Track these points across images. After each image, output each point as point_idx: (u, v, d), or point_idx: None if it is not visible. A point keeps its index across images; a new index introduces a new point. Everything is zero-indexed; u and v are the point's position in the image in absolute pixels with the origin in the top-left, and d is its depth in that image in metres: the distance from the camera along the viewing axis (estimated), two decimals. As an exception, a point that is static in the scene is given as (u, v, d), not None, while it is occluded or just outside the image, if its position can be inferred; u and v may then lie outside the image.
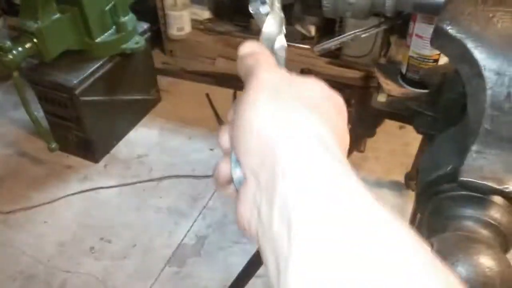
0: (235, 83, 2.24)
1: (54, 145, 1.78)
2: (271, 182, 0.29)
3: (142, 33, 1.92)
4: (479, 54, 0.36)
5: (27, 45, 1.58)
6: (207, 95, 2.20)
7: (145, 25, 1.95)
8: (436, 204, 0.38)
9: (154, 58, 2.24)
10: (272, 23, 0.37)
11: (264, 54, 0.36)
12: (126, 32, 1.81)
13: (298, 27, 2.24)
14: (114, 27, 1.79)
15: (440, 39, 0.39)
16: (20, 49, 1.56)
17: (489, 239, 0.35)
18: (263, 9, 0.37)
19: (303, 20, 2.26)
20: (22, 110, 1.71)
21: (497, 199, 0.36)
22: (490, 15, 0.37)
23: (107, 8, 1.74)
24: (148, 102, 2.13)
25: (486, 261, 0.33)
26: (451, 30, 0.38)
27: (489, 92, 0.35)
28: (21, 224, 1.70)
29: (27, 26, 1.57)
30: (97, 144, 1.89)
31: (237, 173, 0.35)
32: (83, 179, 1.85)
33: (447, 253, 0.34)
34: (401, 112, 0.68)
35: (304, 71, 2.17)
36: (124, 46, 1.81)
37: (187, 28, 2.36)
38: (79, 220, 1.70)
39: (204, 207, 1.72)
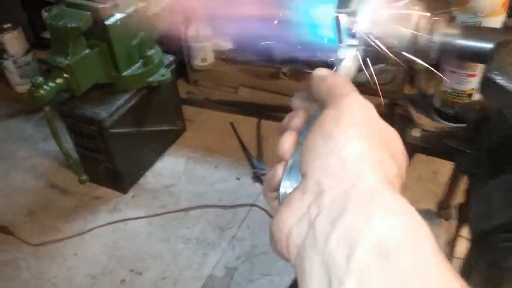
0: (258, 111, 2.26)
1: (84, 177, 1.81)
2: (339, 204, 0.31)
3: (168, 65, 1.96)
4: None
5: (58, 81, 1.62)
6: (232, 124, 2.22)
7: (170, 57, 1.99)
8: (494, 255, 0.38)
9: (179, 88, 2.28)
10: (350, 59, 0.39)
11: (348, 81, 0.39)
12: (153, 65, 1.85)
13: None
14: (140, 60, 1.83)
15: (489, 88, 0.38)
16: (51, 84, 1.60)
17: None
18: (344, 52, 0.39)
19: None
20: (52, 142, 1.76)
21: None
22: None
23: (134, 43, 1.79)
24: (174, 132, 2.15)
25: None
26: (500, 80, 0.38)
27: None
28: (51, 256, 1.72)
29: (58, 62, 1.62)
30: (125, 175, 1.91)
31: (286, 185, 0.36)
32: (112, 210, 1.86)
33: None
34: (437, 148, 0.67)
35: (328, 98, 2.17)
36: (150, 79, 1.85)
37: (210, 59, 2.40)
38: (109, 252, 1.71)
39: (233, 237, 1.72)
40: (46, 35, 2.73)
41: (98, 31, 1.68)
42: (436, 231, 1.56)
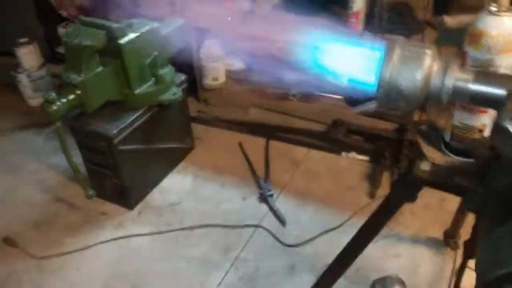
0: (267, 132, 2.27)
1: (91, 192, 1.82)
2: None
3: (180, 84, 1.98)
4: None
5: (71, 97, 1.64)
6: (240, 143, 2.23)
7: (182, 76, 2.01)
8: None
9: (189, 106, 2.30)
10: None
11: None
12: (165, 84, 1.87)
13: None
14: (153, 79, 1.85)
15: (500, 135, 0.39)
16: (64, 100, 1.62)
17: None
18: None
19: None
20: (62, 156, 1.77)
21: None
22: None
23: (147, 61, 1.81)
24: (182, 150, 2.16)
25: None
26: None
27: None
28: (53, 270, 1.71)
29: (71, 78, 1.65)
30: (132, 192, 1.92)
31: None
32: (117, 226, 1.86)
33: None
34: (447, 183, 0.67)
35: (337, 122, 2.18)
36: (162, 97, 1.87)
37: (222, 78, 2.43)
38: (111, 268, 1.70)
39: (236, 258, 1.71)
40: (61, 50, 2.77)
41: (112, 50, 1.71)
42: (442, 260, 1.55)
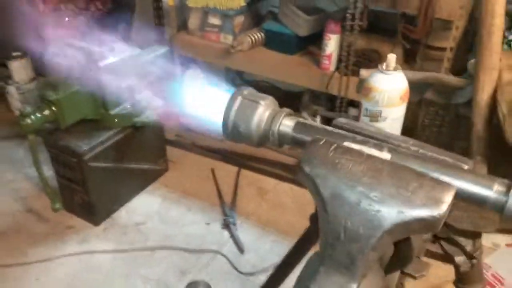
0: (240, 160, 2.34)
1: (58, 205, 1.88)
2: None
3: (156, 108, 2.06)
4: (324, 191, 0.44)
5: (46, 112, 1.73)
6: (212, 170, 2.29)
7: (160, 101, 2.09)
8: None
9: (169, 130, 2.38)
10: None
11: None
12: (140, 107, 1.95)
13: (305, 114, 2.36)
14: (129, 101, 1.94)
15: (300, 173, 0.47)
16: (38, 115, 1.71)
17: None
18: None
19: (311, 108, 2.38)
20: (37, 168, 1.84)
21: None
22: (336, 161, 0.45)
23: (125, 85, 1.90)
24: (155, 172, 2.23)
25: None
26: (307, 168, 0.46)
27: (330, 224, 0.42)
28: (14, 278, 1.76)
29: (47, 95, 1.73)
30: (100, 208, 1.97)
31: None
32: (81, 241, 1.92)
33: None
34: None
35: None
36: (136, 119, 1.95)
37: (202, 105, 2.51)
38: (69, 281, 1.75)
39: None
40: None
41: (90, 71, 1.80)
42: None
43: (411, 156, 0.47)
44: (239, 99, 0.55)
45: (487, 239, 1.31)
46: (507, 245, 1.08)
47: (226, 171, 2.30)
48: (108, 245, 1.90)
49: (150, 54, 2.02)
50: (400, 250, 0.51)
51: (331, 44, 2.05)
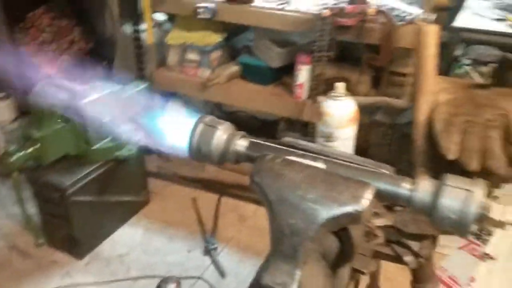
0: (221, 188, 2.41)
1: (41, 240, 1.91)
2: None
3: (137, 141, 2.13)
4: (271, 196, 0.52)
5: (29, 150, 1.79)
6: (193, 199, 2.36)
7: (140, 134, 2.17)
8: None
9: (150, 162, 2.46)
10: None
11: None
12: (121, 141, 2.02)
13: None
14: (110, 136, 2.01)
15: (251, 183, 0.56)
16: (22, 153, 1.77)
17: None
18: None
19: (287, 135, 2.48)
20: (20, 206, 1.89)
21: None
22: (280, 171, 0.54)
23: (106, 120, 1.97)
24: (137, 204, 2.28)
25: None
26: (256, 178, 0.55)
27: (276, 222, 0.51)
28: (-2, 315, 1.78)
29: (31, 133, 1.80)
30: (83, 242, 2.01)
31: None
32: (65, 275, 1.94)
33: None
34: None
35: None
36: (117, 153, 2.02)
37: (182, 137, 2.60)
38: (53, 315, 1.77)
39: (174, 309, 1.78)
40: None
41: (74, 109, 1.87)
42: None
43: (342, 165, 0.57)
44: (201, 125, 0.64)
45: (443, 246, 1.39)
46: (460, 248, 1.17)
47: (207, 200, 2.37)
48: (90, 278, 1.93)
49: (131, 89, 2.11)
50: (344, 247, 0.59)
51: (303, 74, 2.17)
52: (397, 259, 0.81)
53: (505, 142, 1.09)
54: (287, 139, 0.64)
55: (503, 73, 1.22)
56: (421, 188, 0.53)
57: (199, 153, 0.64)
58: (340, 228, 0.58)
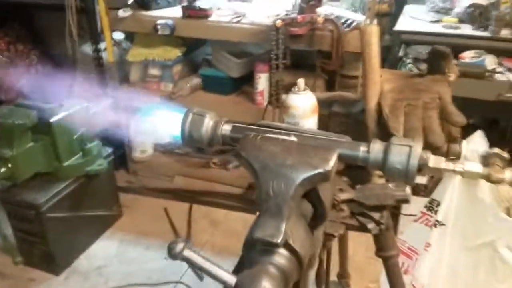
0: (191, 197, 2.50)
1: (18, 259, 1.93)
2: None
3: (106, 157, 2.20)
4: (256, 166, 0.64)
5: (2, 170, 1.82)
6: (165, 209, 2.43)
7: (109, 149, 2.24)
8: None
9: (119, 177, 2.51)
10: None
11: None
12: (91, 156, 2.08)
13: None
14: (80, 152, 2.06)
15: (238, 157, 0.67)
16: (-5, 173, 1.80)
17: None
18: None
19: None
20: (-7, 228, 1.90)
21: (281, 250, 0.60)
22: (261, 145, 0.67)
23: (75, 137, 2.03)
24: (110, 218, 2.33)
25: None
26: (243, 153, 0.67)
27: (262, 186, 0.63)
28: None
29: (3, 153, 1.83)
30: (59, 258, 2.04)
31: None
32: (44, 291, 1.97)
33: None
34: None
35: (252, 185, 2.45)
36: (88, 168, 2.07)
37: (150, 151, 2.67)
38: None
39: (156, 313, 1.85)
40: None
41: (43, 127, 1.92)
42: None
43: (310, 137, 0.69)
44: (190, 115, 0.75)
45: (402, 223, 1.55)
46: (415, 221, 1.32)
47: (179, 208, 2.44)
48: (71, 292, 1.96)
49: (96, 106, 2.17)
50: (317, 212, 0.71)
51: (262, 82, 2.31)
52: (362, 228, 0.94)
53: (441, 121, 1.28)
54: (263, 122, 0.76)
55: (433, 62, 1.41)
56: (374, 149, 0.66)
57: (191, 139, 0.74)
58: (313, 195, 0.70)
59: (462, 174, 0.63)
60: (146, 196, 2.55)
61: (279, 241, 0.60)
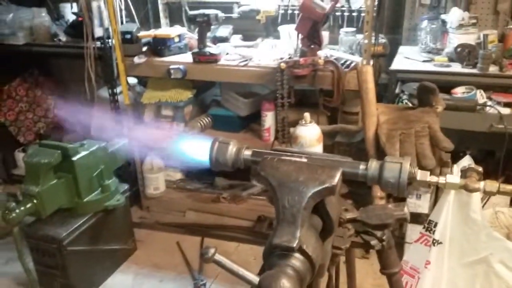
0: (202, 231, 2.60)
1: (40, 291, 2.02)
2: None
3: (123, 192, 2.32)
4: (273, 183, 0.77)
5: (28, 205, 1.94)
6: (178, 243, 2.53)
7: (125, 186, 2.37)
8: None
9: (133, 213, 2.63)
10: None
11: None
12: (110, 192, 2.21)
13: (255, 182, 2.70)
14: (99, 188, 2.19)
15: (258, 177, 0.80)
16: (22, 208, 1.92)
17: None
18: None
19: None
20: (13, 265, 2.01)
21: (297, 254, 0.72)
22: (278, 166, 0.79)
23: (95, 174, 2.17)
24: (125, 251, 2.43)
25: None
26: (262, 173, 0.79)
27: (279, 200, 0.75)
28: None
29: (29, 190, 1.96)
30: (78, 290, 2.13)
31: None
32: (63, 323, 2.04)
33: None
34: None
35: (261, 218, 2.56)
36: (107, 203, 2.19)
37: (162, 188, 2.80)
38: None
39: None
40: (17, 171, 3.10)
41: (65, 166, 2.06)
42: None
43: (318, 159, 0.83)
44: (217, 144, 0.88)
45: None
46: (415, 241, 1.43)
47: (191, 242, 2.54)
48: (90, 324, 2.04)
49: (113, 146, 2.32)
50: (325, 225, 0.83)
51: (268, 119, 2.47)
52: (365, 245, 1.05)
53: (432, 147, 1.42)
54: (278, 147, 0.89)
55: (422, 96, 1.56)
56: (371, 166, 0.80)
57: (217, 162, 0.88)
58: (322, 210, 0.82)
59: (444, 185, 0.76)
60: (159, 231, 2.65)
61: (294, 245, 0.72)
